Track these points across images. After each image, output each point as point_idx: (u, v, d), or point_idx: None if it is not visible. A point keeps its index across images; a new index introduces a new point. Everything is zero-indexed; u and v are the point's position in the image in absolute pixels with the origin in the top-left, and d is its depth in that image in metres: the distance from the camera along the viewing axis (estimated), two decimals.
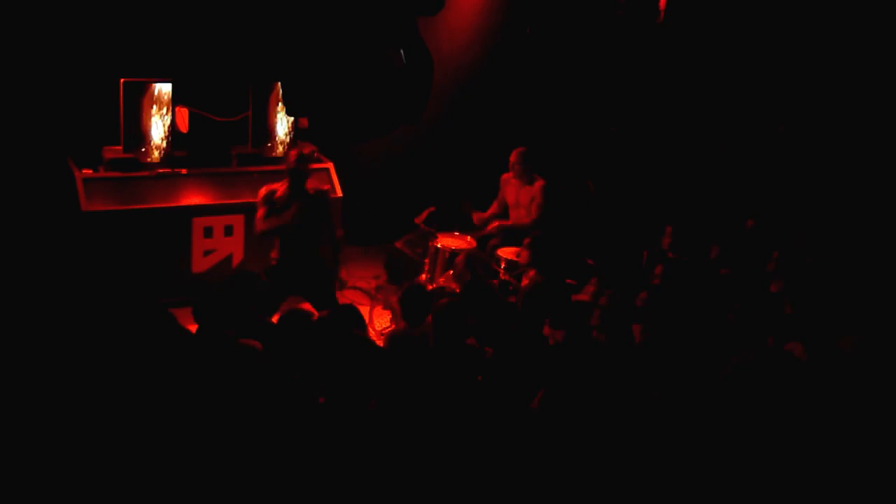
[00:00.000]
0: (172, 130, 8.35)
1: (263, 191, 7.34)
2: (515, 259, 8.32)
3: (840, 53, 9.11)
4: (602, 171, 9.81)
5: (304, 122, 8.95)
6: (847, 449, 5.29)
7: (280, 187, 7.33)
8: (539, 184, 8.79)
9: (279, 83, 8.60)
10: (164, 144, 8.32)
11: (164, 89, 8.19)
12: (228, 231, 8.48)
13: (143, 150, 8.26)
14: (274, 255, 7.46)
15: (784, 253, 7.49)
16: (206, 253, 8.45)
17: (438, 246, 8.45)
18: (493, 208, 9.07)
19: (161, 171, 8.31)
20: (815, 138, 9.37)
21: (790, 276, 7.16)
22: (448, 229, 8.65)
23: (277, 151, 8.86)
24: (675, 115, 9.97)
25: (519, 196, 8.86)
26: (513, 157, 8.86)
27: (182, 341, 5.53)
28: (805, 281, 7.06)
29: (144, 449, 4.83)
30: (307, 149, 7.57)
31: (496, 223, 8.88)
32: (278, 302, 6.72)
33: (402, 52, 8.44)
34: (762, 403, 5.43)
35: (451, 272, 8.12)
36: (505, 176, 9.03)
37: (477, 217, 8.97)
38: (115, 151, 8.25)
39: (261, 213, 7.32)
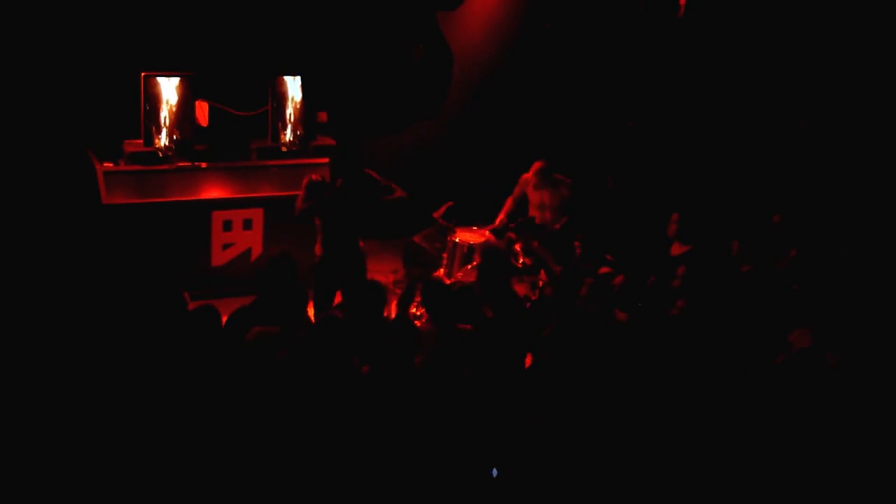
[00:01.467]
0: (192, 124, 8.39)
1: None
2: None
3: (861, 49, 9.05)
4: (620, 167, 9.78)
5: (323, 115, 8.97)
6: (856, 444, 5.28)
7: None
8: (565, 186, 8.81)
9: (299, 77, 8.63)
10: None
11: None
12: (247, 225, 8.51)
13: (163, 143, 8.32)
14: (318, 250, 7.38)
15: (804, 250, 7.45)
16: (225, 246, 8.48)
17: (456, 240, 8.46)
18: (508, 206, 9.02)
19: (181, 164, 8.35)
20: (835, 135, 9.32)
21: (810, 273, 7.12)
22: (466, 224, 8.65)
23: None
24: (694, 110, 9.93)
25: (543, 198, 8.85)
26: (531, 174, 8.83)
27: (203, 333, 5.55)
28: (825, 278, 7.01)
29: (169, 440, 4.85)
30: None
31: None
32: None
33: (421, 46, 8.46)
34: (776, 402, 5.40)
35: (469, 266, 8.13)
36: (526, 176, 9.01)
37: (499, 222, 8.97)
38: (135, 145, 8.29)
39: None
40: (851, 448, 5.24)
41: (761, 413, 5.29)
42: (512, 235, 8.82)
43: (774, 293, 6.76)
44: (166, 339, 5.41)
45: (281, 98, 8.70)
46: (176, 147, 8.35)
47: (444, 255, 8.58)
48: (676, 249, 7.87)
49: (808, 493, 5.07)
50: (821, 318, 6.30)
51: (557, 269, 7.52)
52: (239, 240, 8.52)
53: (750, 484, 5.08)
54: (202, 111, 8.50)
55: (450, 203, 8.58)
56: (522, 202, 9.09)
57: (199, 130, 8.51)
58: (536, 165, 8.84)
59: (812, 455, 5.17)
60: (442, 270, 8.55)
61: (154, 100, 8.19)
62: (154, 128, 8.25)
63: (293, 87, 8.70)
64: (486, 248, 7.75)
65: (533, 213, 8.99)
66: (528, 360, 6.24)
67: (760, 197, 9.10)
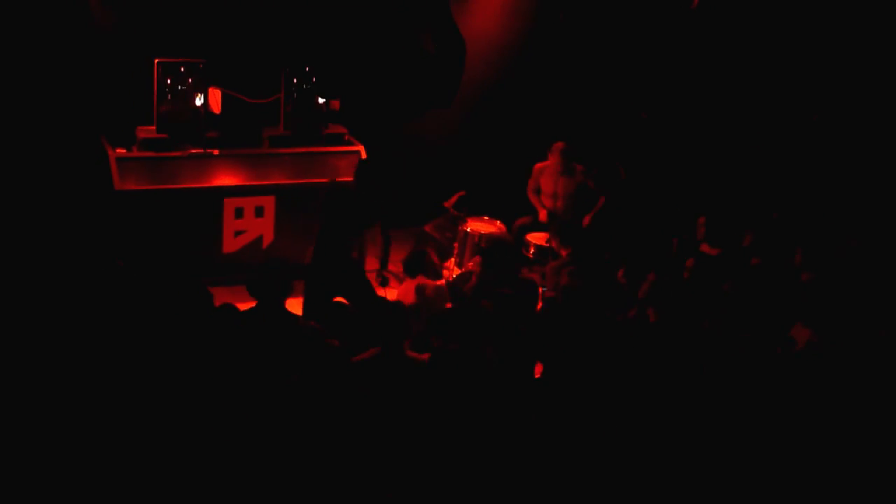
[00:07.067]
0: (205, 111, 8.41)
1: None
2: (545, 245, 8.32)
3: (878, 42, 9.00)
4: (633, 158, 9.75)
5: (336, 104, 8.98)
6: (856, 437, 5.27)
7: None
8: (580, 174, 8.81)
9: (312, 65, 8.64)
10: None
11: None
12: (259, 212, 8.53)
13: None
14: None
15: (813, 243, 7.42)
16: (237, 233, 8.51)
17: (468, 230, 8.46)
18: (536, 200, 9.04)
19: (193, 151, 8.37)
20: (850, 127, 9.27)
21: (819, 267, 7.10)
22: (477, 214, 8.65)
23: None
24: (708, 102, 9.89)
25: (557, 186, 8.85)
26: (554, 154, 8.83)
27: (216, 318, 5.58)
28: (834, 272, 6.99)
29: (181, 424, 4.88)
30: None
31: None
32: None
33: (434, 36, 8.42)
34: (774, 396, 5.39)
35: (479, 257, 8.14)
36: (540, 165, 9.01)
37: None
38: (148, 131, 8.31)
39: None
40: (852, 444, 5.24)
41: (763, 408, 5.29)
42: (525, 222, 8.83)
43: (781, 286, 6.74)
44: (184, 328, 5.45)
45: (293, 86, 8.70)
46: (188, 134, 8.36)
47: (455, 245, 8.59)
48: (704, 251, 7.84)
49: (809, 491, 5.08)
50: (826, 311, 6.28)
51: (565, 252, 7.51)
52: (250, 227, 8.54)
53: (753, 481, 5.09)
54: (215, 98, 8.50)
55: (461, 193, 8.58)
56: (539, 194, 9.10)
57: (211, 117, 8.52)
58: (558, 146, 8.82)
59: (814, 452, 5.18)
60: (453, 260, 8.56)
61: (167, 86, 8.20)
62: (167, 114, 8.27)
63: (306, 75, 8.69)
64: (492, 239, 7.73)
65: (546, 202, 8.98)
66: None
67: (773, 189, 9.07)
